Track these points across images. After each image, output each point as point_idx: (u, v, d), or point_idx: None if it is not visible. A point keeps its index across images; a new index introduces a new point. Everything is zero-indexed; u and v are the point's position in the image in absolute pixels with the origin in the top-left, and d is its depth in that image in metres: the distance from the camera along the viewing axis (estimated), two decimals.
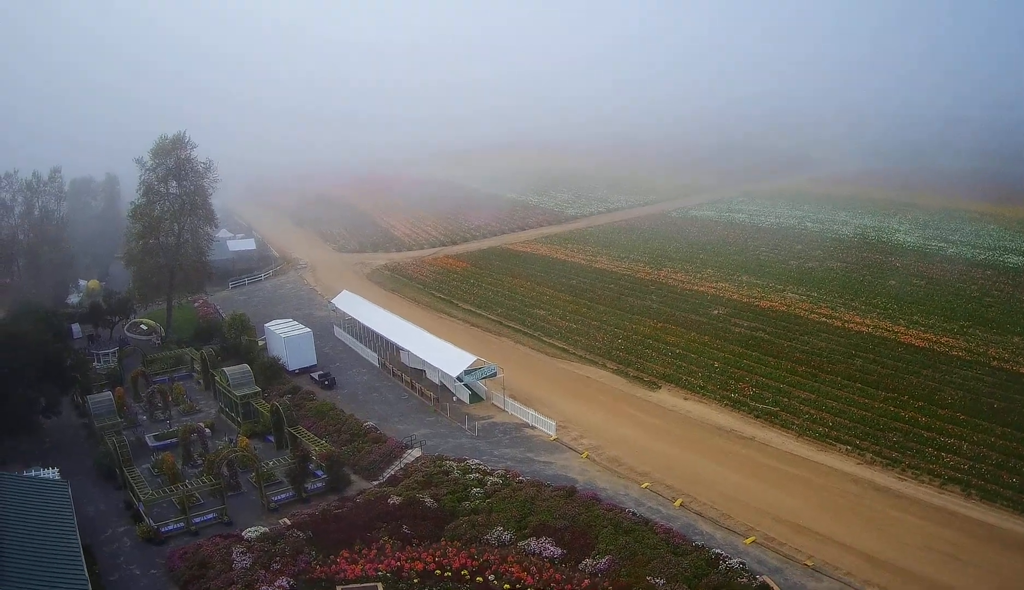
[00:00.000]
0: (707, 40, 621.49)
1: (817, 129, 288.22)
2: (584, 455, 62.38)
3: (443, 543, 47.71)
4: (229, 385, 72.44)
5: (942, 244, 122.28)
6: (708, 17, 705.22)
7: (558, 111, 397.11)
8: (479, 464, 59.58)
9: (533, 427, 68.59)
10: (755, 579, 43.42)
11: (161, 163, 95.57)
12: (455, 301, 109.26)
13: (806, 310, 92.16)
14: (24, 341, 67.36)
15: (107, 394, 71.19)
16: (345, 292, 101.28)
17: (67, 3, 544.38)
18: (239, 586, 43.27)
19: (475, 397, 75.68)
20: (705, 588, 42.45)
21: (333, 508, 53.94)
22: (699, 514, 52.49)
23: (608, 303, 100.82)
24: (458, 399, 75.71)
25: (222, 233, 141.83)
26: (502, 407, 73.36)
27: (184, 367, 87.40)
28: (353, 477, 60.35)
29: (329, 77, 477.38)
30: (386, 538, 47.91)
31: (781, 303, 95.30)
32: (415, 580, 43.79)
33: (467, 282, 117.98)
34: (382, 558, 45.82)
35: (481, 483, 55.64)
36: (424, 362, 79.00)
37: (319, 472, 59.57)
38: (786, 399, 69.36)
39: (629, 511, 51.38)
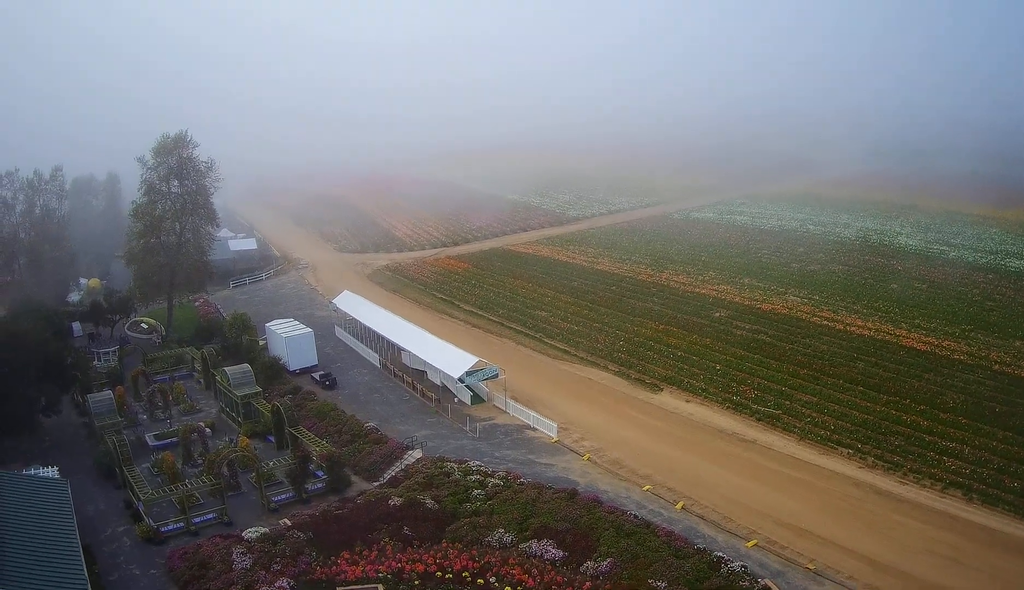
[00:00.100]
0: (707, 40, 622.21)
1: (818, 130, 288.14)
2: (586, 457, 62.24)
3: (444, 545, 47.54)
4: (230, 385, 72.32)
5: (944, 247, 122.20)
6: (708, 17, 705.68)
7: (559, 111, 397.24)
8: (480, 466, 59.41)
9: (534, 429, 68.45)
10: (757, 582, 43.29)
11: (163, 162, 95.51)
12: (456, 302, 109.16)
13: (808, 313, 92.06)
14: (25, 339, 67.24)
15: (107, 393, 71.03)
16: (346, 292, 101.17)
17: (67, 3, 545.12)
18: (239, 587, 43.13)
19: (476, 398, 75.55)
20: None
21: (334, 509, 53.80)
22: (701, 517, 52.35)
23: (610, 305, 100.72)
24: (459, 400, 75.58)
25: (223, 232, 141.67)
26: (503, 408, 73.22)
27: (185, 366, 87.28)
28: (354, 478, 60.21)
29: (329, 77, 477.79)
30: (387, 539, 47.77)
31: (783, 306, 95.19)
32: (416, 582, 43.64)
33: (468, 283, 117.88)
34: (383, 559, 45.67)
35: (482, 485, 55.48)
36: (425, 363, 78.86)
37: (320, 473, 59.43)
38: (788, 402, 69.24)
39: (631, 514, 51.21)
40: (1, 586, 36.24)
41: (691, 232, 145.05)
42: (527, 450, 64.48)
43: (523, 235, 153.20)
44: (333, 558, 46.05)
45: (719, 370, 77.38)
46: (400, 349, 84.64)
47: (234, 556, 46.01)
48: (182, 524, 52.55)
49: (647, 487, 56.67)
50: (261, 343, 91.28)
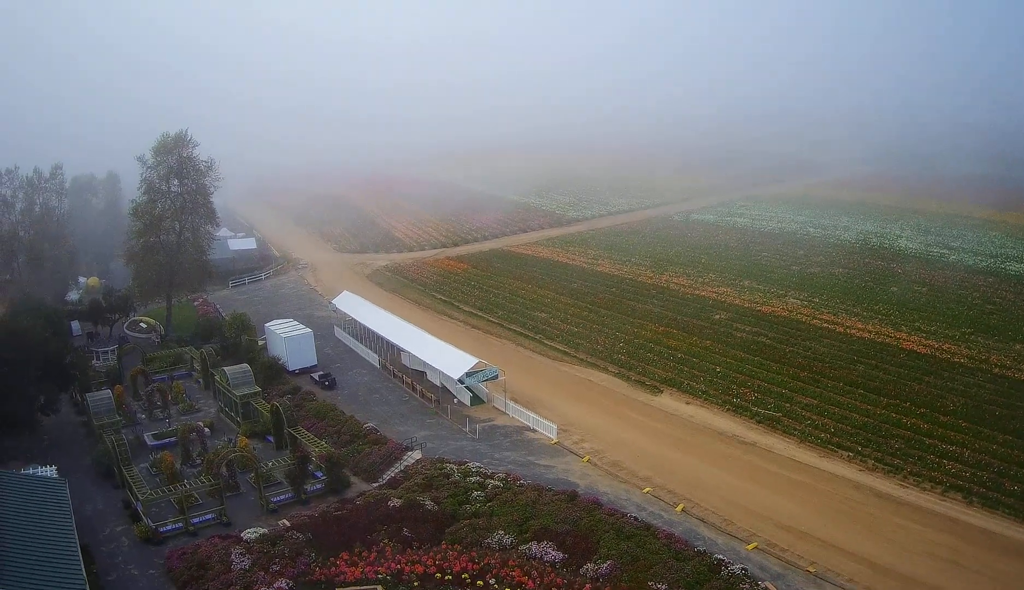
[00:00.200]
0: (707, 41, 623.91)
1: (818, 132, 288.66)
2: (585, 459, 62.12)
3: (444, 546, 47.41)
4: (229, 385, 72.16)
5: (944, 250, 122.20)
6: (708, 18, 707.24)
7: (559, 112, 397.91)
8: (480, 467, 59.28)
9: (534, 430, 68.33)
10: (758, 585, 43.22)
11: (163, 161, 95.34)
12: (456, 303, 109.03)
13: (808, 315, 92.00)
14: (24, 338, 67.08)
15: (106, 392, 70.88)
16: (346, 293, 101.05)
17: (68, 2, 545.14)
18: (238, 587, 43.03)
19: (476, 399, 75.41)
20: None
21: (333, 510, 53.65)
22: (701, 519, 52.25)
23: (610, 306, 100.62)
24: (459, 401, 75.45)
25: (223, 232, 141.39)
26: (503, 410, 73.09)
27: (183, 366, 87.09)
28: (353, 479, 60.07)
29: (329, 77, 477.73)
30: (386, 541, 47.65)
31: (783, 308, 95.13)
32: (415, 583, 43.53)
33: (468, 284, 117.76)
34: (382, 561, 45.54)
35: (482, 486, 55.36)
36: (425, 364, 78.73)
37: (319, 473, 59.30)
38: (788, 405, 69.16)
39: (631, 516, 51.11)
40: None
41: (691, 234, 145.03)
42: (527, 451, 64.35)
43: (523, 236, 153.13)
44: (332, 559, 45.92)
45: (719, 372, 77.28)
46: (399, 350, 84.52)
47: (233, 557, 45.88)
48: (181, 524, 52.40)
49: (647, 489, 56.56)
50: (260, 343, 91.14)
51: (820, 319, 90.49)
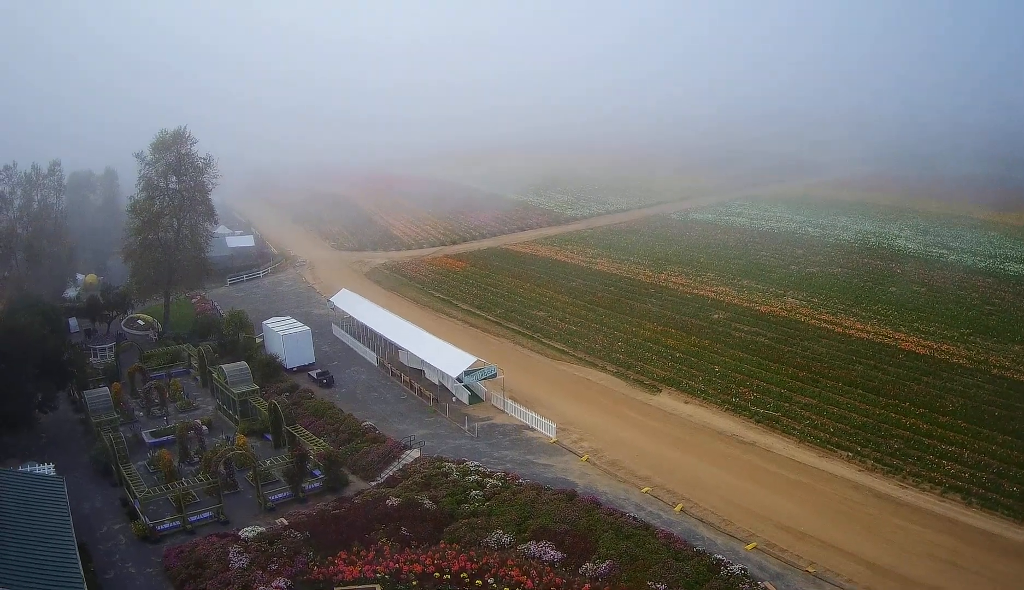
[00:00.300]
0: (707, 41, 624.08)
1: (817, 132, 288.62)
2: (584, 458, 62.04)
3: (442, 545, 47.30)
4: (227, 382, 71.99)
5: (943, 251, 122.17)
6: (708, 18, 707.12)
7: (558, 111, 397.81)
8: (479, 466, 59.17)
9: (533, 429, 68.23)
10: (757, 585, 43.13)
11: (161, 158, 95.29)
12: (454, 301, 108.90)
13: (807, 315, 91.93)
14: (22, 335, 66.91)
15: (104, 389, 70.60)
16: (344, 290, 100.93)
17: (68, 2, 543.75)
18: (236, 586, 42.82)
19: (474, 398, 75.30)
20: None
21: (331, 508, 53.50)
22: (700, 519, 52.17)
23: (608, 305, 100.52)
24: (457, 400, 75.32)
25: (220, 229, 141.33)
26: (501, 408, 72.99)
27: (181, 363, 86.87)
28: (351, 477, 59.94)
29: (329, 77, 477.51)
30: (384, 540, 47.54)
31: (782, 308, 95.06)
32: (414, 582, 43.38)
33: (466, 282, 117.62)
34: (380, 560, 45.43)
35: (481, 485, 55.24)
36: (423, 362, 78.62)
37: (317, 472, 59.16)
38: (787, 404, 69.08)
39: (630, 515, 51.01)
40: None
41: (690, 233, 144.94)
42: (525, 450, 64.26)
43: (521, 234, 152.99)
44: (330, 558, 45.80)
45: (718, 372, 77.21)
46: (398, 348, 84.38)
47: (231, 555, 45.72)
48: (178, 523, 52.25)
49: (646, 489, 56.48)
50: (258, 341, 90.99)
51: (819, 319, 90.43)
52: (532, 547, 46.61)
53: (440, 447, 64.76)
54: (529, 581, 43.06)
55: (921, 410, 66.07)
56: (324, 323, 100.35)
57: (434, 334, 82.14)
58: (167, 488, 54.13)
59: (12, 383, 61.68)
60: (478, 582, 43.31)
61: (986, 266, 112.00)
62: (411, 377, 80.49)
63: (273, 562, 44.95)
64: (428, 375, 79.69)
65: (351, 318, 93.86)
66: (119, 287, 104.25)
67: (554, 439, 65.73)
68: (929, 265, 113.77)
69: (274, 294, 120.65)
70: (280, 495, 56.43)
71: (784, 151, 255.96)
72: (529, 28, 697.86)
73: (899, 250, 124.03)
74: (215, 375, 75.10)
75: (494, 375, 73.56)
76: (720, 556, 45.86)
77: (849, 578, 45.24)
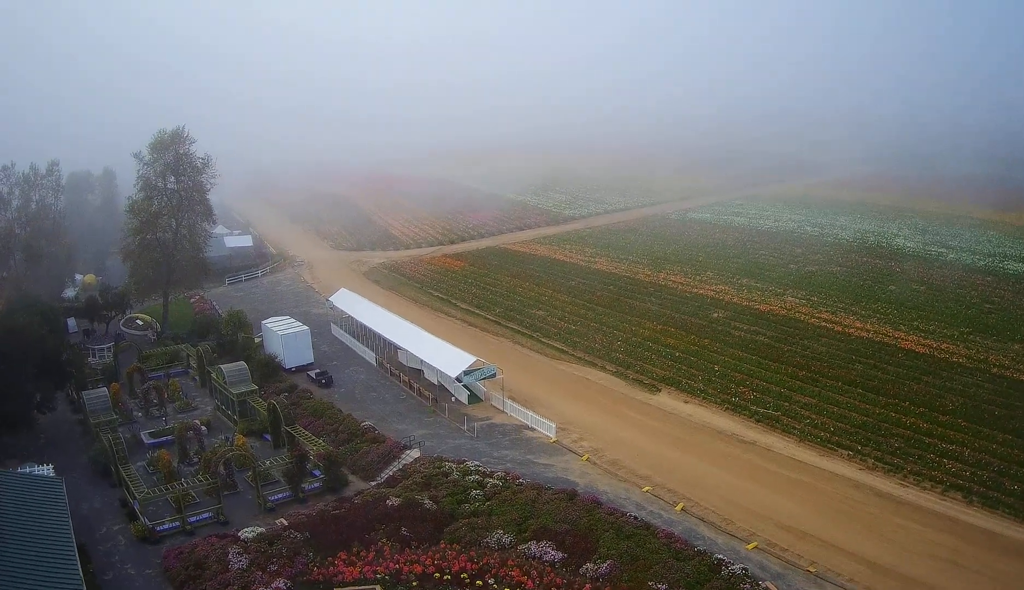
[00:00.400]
0: (707, 41, 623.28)
1: (816, 132, 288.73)
2: (584, 458, 61.93)
3: (442, 546, 47.19)
4: (226, 382, 71.77)
5: (942, 249, 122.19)
6: (708, 18, 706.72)
7: (558, 111, 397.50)
8: (479, 466, 59.03)
9: (532, 429, 68.11)
10: (758, 585, 43.06)
11: (159, 158, 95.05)
12: (453, 300, 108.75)
13: (806, 314, 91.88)
14: (20, 336, 66.71)
15: (103, 390, 70.37)
16: (343, 290, 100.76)
17: (68, 3, 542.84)
18: (235, 587, 42.71)
19: (474, 398, 75.17)
20: None
21: (331, 509, 53.34)
22: (701, 519, 52.09)
23: (607, 304, 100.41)
24: (456, 399, 75.18)
25: (219, 229, 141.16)
26: (501, 408, 72.86)
27: (180, 363, 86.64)
28: (351, 477, 59.78)
29: (328, 77, 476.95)
30: (385, 540, 47.41)
31: (781, 307, 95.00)
32: (414, 583, 43.27)
33: (465, 281, 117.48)
34: (381, 560, 45.30)
35: (481, 485, 55.12)
36: (423, 362, 78.47)
37: (316, 472, 58.99)
38: (787, 404, 69.02)
39: (630, 515, 50.91)
40: None
41: (688, 232, 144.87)
42: (525, 450, 64.14)
43: (520, 234, 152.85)
44: (330, 559, 45.67)
45: (717, 371, 77.13)
46: (397, 347, 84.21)
47: (230, 556, 45.57)
48: (178, 523, 52.07)
49: (647, 488, 56.38)
50: (257, 341, 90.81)
51: (818, 318, 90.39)
52: (533, 547, 46.52)
53: (440, 447, 64.63)
54: (530, 581, 42.96)
55: (921, 409, 66.07)
56: (323, 323, 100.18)
57: (433, 334, 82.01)
58: (166, 489, 53.95)
59: (11, 383, 61.46)
60: (479, 583, 43.19)
61: (985, 265, 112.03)
62: (410, 377, 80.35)
63: (273, 563, 44.81)
64: (427, 375, 79.54)
65: (350, 318, 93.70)
66: (118, 287, 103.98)
67: (554, 439, 65.62)
68: (928, 264, 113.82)
69: (273, 294, 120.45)
70: (280, 495, 56.27)
71: (783, 151, 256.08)
72: (529, 28, 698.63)
73: (898, 249, 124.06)
74: (214, 375, 74.90)
75: (493, 375, 73.43)
76: (721, 556, 45.78)
77: (850, 578, 45.18)
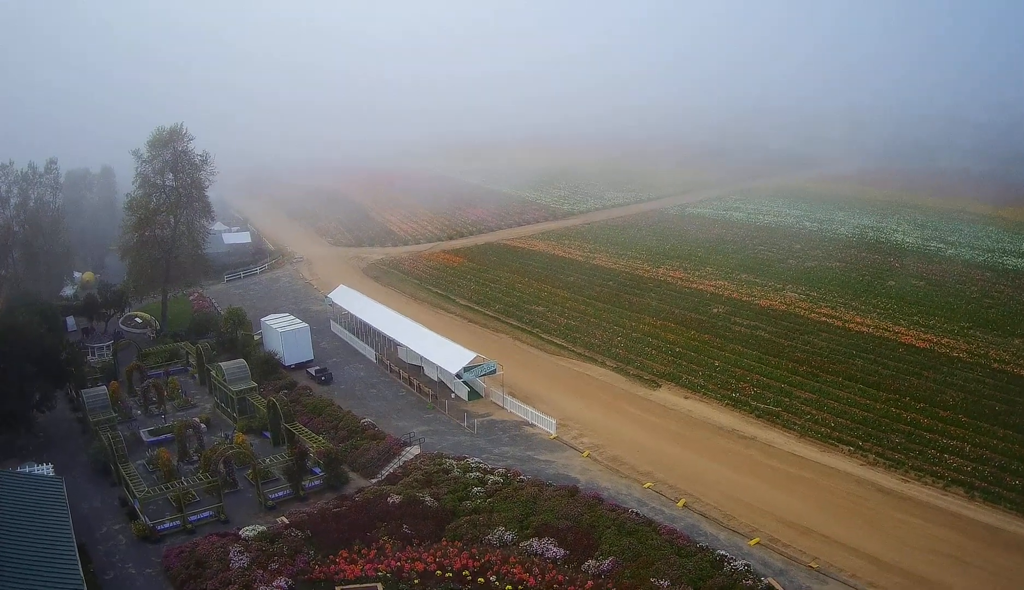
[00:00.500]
0: (706, 37, 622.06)
1: (814, 127, 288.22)
2: (585, 454, 61.85)
3: (444, 543, 47.11)
4: (225, 380, 71.61)
5: (941, 245, 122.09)
6: (708, 14, 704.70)
7: (556, 106, 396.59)
8: (480, 463, 58.97)
9: (533, 425, 68.01)
10: (760, 581, 42.99)
11: (158, 155, 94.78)
12: (452, 296, 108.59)
13: (806, 309, 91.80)
14: (19, 334, 66.51)
15: (102, 388, 70.12)
16: (342, 287, 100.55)
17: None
18: (237, 586, 42.49)
19: (474, 394, 75.05)
20: None
21: (332, 507, 53.18)
22: (703, 515, 52.06)
23: (607, 300, 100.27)
24: (456, 396, 75.04)
25: (217, 226, 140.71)
26: (501, 405, 72.78)
27: (179, 361, 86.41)
28: (351, 475, 59.66)
29: (327, 71, 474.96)
30: (386, 538, 47.30)
31: (781, 302, 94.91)
32: (416, 581, 43.16)
33: (464, 277, 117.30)
34: (382, 558, 45.21)
35: (482, 482, 55.01)
36: (422, 358, 78.35)
37: (317, 469, 58.89)
38: (787, 399, 68.97)
39: (632, 511, 50.84)
40: None
41: (687, 228, 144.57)
42: (526, 446, 64.04)
43: (519, 229, 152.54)
44: (331, 557, 45.56)
45: (718, 366, 77.05)
46: (396, 344, 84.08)
47: (231, 555, 45.42)
48: (178, 522, 51.92)
49: (648, 484, 56.33)
50: (256, 338, 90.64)
51: (818, 313, 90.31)
52: (534, 544, 46.46)
53: (440, 444, 64.51)
54: (531, 579, 42.89)
55: (922, 404, 66.07)
56: (322, 319, 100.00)
57: (433, 330, 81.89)
58: (166, 487, 53.79)
59: (10, 382, 61.36)
60: (480, 580, 43.12)
61: (985, 260, 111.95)
62: (410, 373, 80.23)
63: (274, 561, 44.67)
64: (427, 371, 79.43)
65: (349, 314, 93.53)
66: (116, 285, 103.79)
67: (554, 435, 65.54)
68: (928, 259, 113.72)
69: (271, 291, 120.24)
70: (280, 493, 56.15)
71: (780, 145, 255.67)
72: (527, 22, 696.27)
73: (897, 244, 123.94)
74: (213, 373, 74.75)
75: (493, 371, 73.30)
76: (723, 552, 45.73)
77: (853, 573, 45.17)
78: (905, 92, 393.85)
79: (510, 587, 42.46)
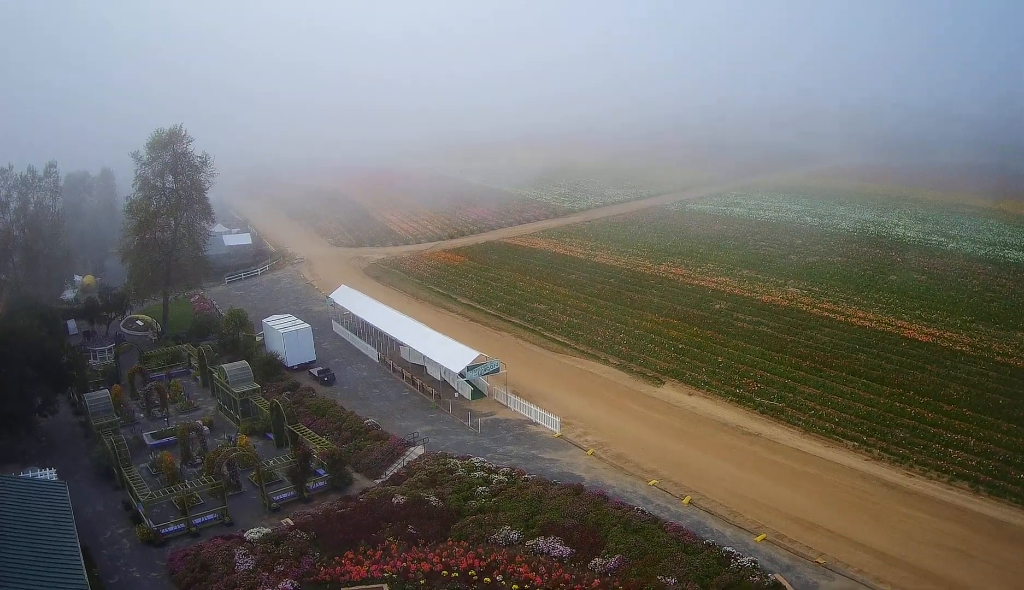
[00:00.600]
0: (706, 37, 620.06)
1: (815, 124, 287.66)
2: (590, 452, 61.75)
3: (450, 543, 47.00)
4: (228, 382, 71.56)
5: (942, 238, 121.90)
6: (708, 14, 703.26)
7: (555, 107, 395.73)
8: (484, 462, 58.90)
9: (537, 424, 67.92)
10: (767, 577, 42.89)
11: (157, 157, 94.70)
12: (454, 295, 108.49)
13: (808, 305, 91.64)
14: (20, 338, 66.41)
15: (104, 392, 70.15)
16: (343, 287, 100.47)
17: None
18: (242, 589, 42.51)
19: (477, 393, 74.94)
20: (717, 587, 41.88)
21: (336, 508, 53.13)
22: (708, 512, 51.96)
23: (609, 297, 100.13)
24: (459, 395, 74.94)
25: (217, 228, 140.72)
26: (504, 403, 72.69)
27: (181, 364, 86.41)
28: (355, 475, 59.60)
29: (327, 71, 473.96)
30: (391, 538, 47.21)
31: (783, 298, 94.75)
32: (422, 581, 43.06)
33: (466, 276, 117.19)
34: (388, 559, 45.10)
35: (487, 481, 54.92)
36: (425, 358, 78.29)
37: (320, 471, 58.80)
38: (791, 394, 68.88)
39: (638, 509, 50.78)
40: None
41: (688, 224, 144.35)
42: (530, 445, 63.96)
43: (519, 228, 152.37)
44: (337, 558, 45.48)
45: (721, 363, 76.93)
46: (398, 344, 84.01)
47: (236, 557, 45.39)
48: (182, 525, 51.87)
49: (653, 482, 56.22)
50: (258, 339, 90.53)
51: (820, 308, 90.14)
52: (540, 543, 46.36)
53: (444, 443, 64.44)
54: (538, 578, 42.78)
55: (926, 398, 65.94)
56: (323, 320, 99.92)
57: (435, 329, 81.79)
58: (170, 490, 53.71)
59: (12, 386, 61.25)
60: (487, 580, 43.01)
61: (986, 253, 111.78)
62: (413, 373, 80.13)
63: (279, 563, 44.61)
64: (430, 371, 79.35)
65: (351, 314, 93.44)
66: (117, 288, 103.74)
67: (558, 433, 65.45)
68: (929, 253, 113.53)
69: (273, 292, 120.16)
70: (284, 495, 56.06)
71: (780, 141, 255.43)
72: (527, 21, 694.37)
73: (898, 238, 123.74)
74: (216, 375, 74.68)
75: (496, 370, 73.19)
76: (730, 548, 45.63)
77: (859, 569, 45.07)
78: (905, 91, 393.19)
79: (516, 586, 42.36)
